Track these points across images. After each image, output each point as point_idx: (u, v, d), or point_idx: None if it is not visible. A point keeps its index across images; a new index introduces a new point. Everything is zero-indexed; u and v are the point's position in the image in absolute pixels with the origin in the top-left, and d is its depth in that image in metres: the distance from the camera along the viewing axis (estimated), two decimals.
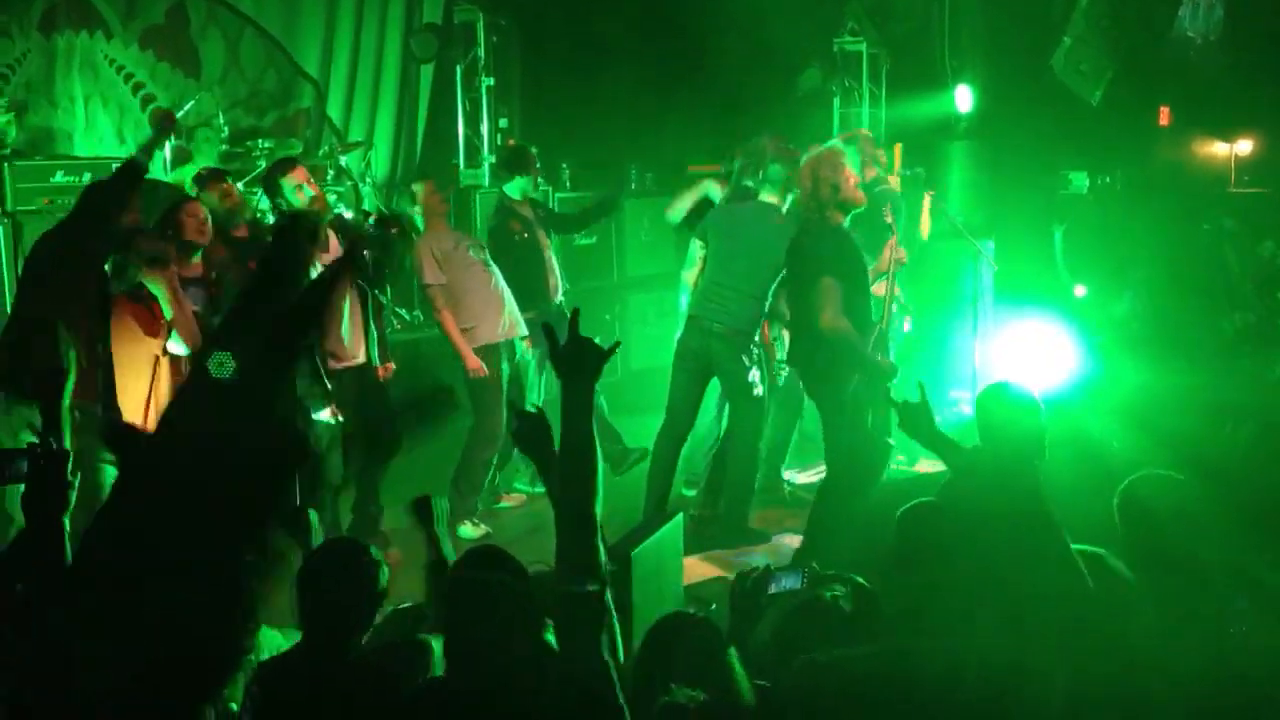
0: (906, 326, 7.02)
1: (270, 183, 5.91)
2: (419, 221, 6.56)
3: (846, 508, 5.72)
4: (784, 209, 6.42)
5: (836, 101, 10.39)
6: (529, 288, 6.87)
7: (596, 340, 2.84)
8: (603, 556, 2.68)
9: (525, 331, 6.75)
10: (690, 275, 6.83)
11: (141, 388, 5.08)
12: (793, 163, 6.46)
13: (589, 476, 2.73)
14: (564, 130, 10.29)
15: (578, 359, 2.80)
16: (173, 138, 8.65)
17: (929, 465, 7.47)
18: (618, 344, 3.02)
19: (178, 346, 5.12)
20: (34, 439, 2.82)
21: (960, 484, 4.32)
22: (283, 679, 2.97)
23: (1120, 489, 3.45)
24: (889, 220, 6.16)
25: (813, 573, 3.43)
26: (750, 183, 6.61)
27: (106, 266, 4.99)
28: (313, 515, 3.70)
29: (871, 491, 5.78)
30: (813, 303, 5.49)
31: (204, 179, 6.03)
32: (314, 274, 5.56)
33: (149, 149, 5.12)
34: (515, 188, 7.08)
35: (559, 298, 7.14)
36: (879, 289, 6.09)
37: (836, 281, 5.46)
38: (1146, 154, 10.70)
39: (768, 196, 6.50)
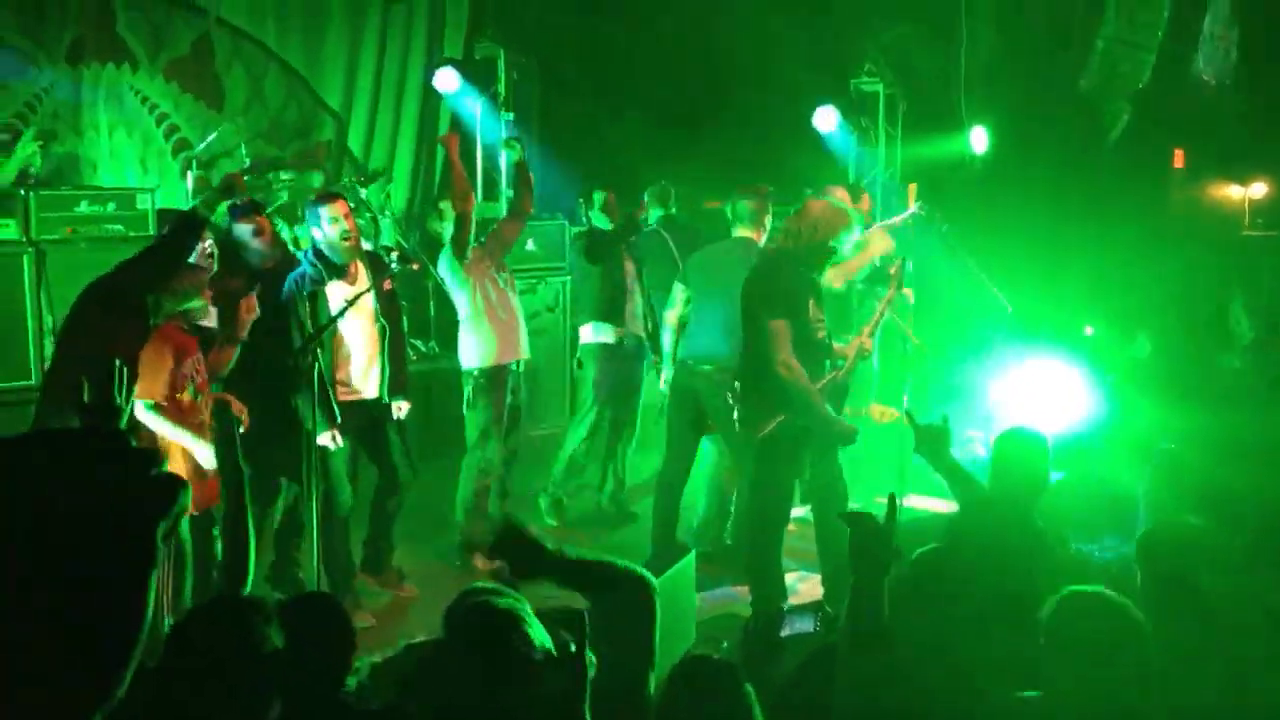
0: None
1: (311, 213, 5.98)
2: (445, 237, 6.58)
3: (763, 547, 5.77)
4: (761, 243, 6.50)
5: (853, 141, 10.46)
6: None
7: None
8: None
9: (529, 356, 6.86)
10: (672, 316, 6.90)
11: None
12: (759, 197, 6.57)
13: None
14: (582, 166, 10.36)
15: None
16: (194, 167, 8.79)
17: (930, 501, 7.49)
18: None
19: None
20: None
21: (969, 518, 4.38)
22: None
23: (1139, 537, 3.52)
24: (891, 273, 6.17)
25: (826, 616, 3.46)
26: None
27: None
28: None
29: (776, 535, 5.82)
30: (764, 344, 5.51)
31: (241, 210, 6.04)
32: (335, 307, 5.67)
33: (211, 204, 5.20)
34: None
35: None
36: (853, 345, 6.08)
37: (788, 323, 5.49)
38: (1161, 197, 10.74)
39: (742, 232, 6.59)
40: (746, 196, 6.60)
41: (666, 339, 6.91)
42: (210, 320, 5.33)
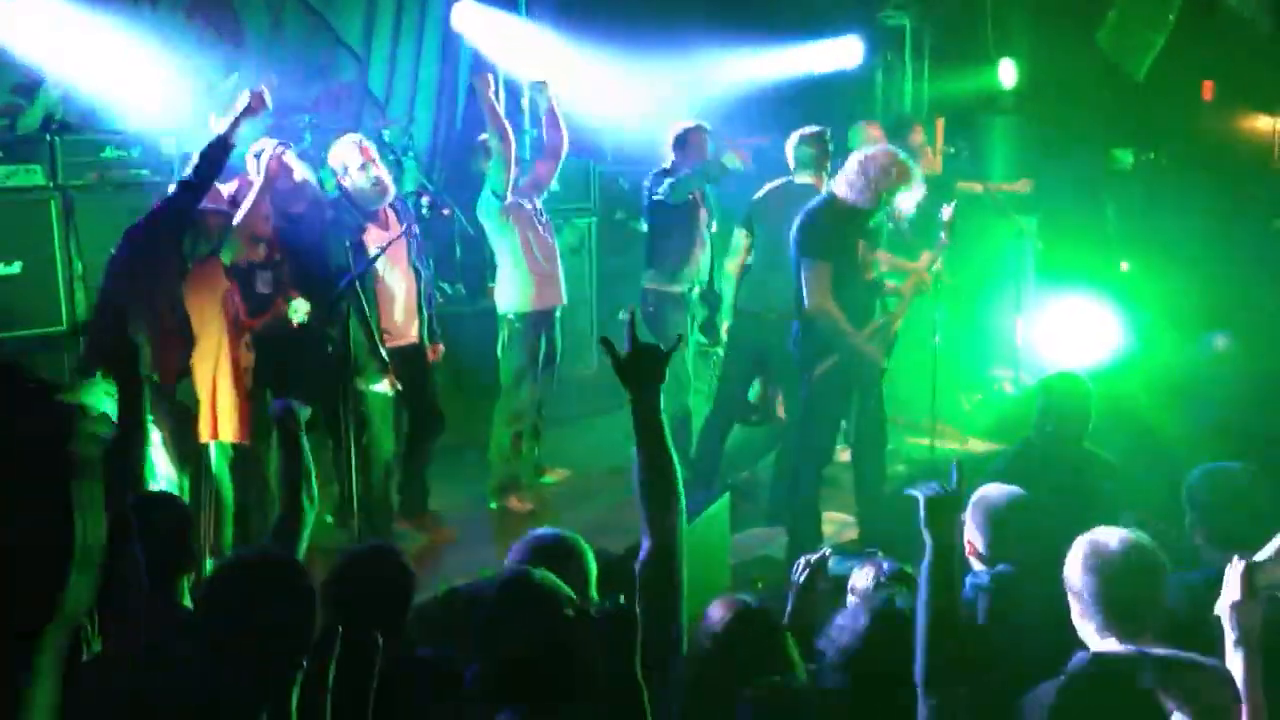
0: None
1: (338, 159, 5.95)
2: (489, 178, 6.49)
3: (806, 486, 5.81)
4: (822, 188, 6.45)
5: (879, 76, 10.33)
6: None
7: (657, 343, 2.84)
8: (681, 553, 2.71)
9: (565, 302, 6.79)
10: (733, 265, 6.86)
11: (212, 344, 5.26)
12: (820, 142, 6.51)
13: (669, 482, 2.75)
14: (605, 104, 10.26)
15: (640, 366, 2.80)
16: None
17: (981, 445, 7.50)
18: (680, 339, 3.00)
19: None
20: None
21: (1018, 463, 4.39)
22: None
23: (1186, 482, 3.55)
24: (945, 218, 6.13)
25: (874, 559, 3.46)
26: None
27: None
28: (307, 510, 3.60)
29: (818, 473, 5.85)
30: (803, 283, 5.52)
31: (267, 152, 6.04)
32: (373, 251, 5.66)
33: (235, 125, 5.18)
34: None
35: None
36: (902, 287, 6.08)
37: (829, 264, 5.46)
38: (1190, 129, 10.59)
39: (803, 178, 6.54)
40: (807, 142, 6.54)
41: (727, 288, 6.88)
42: (266, 287, 5.38)
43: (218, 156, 5.02)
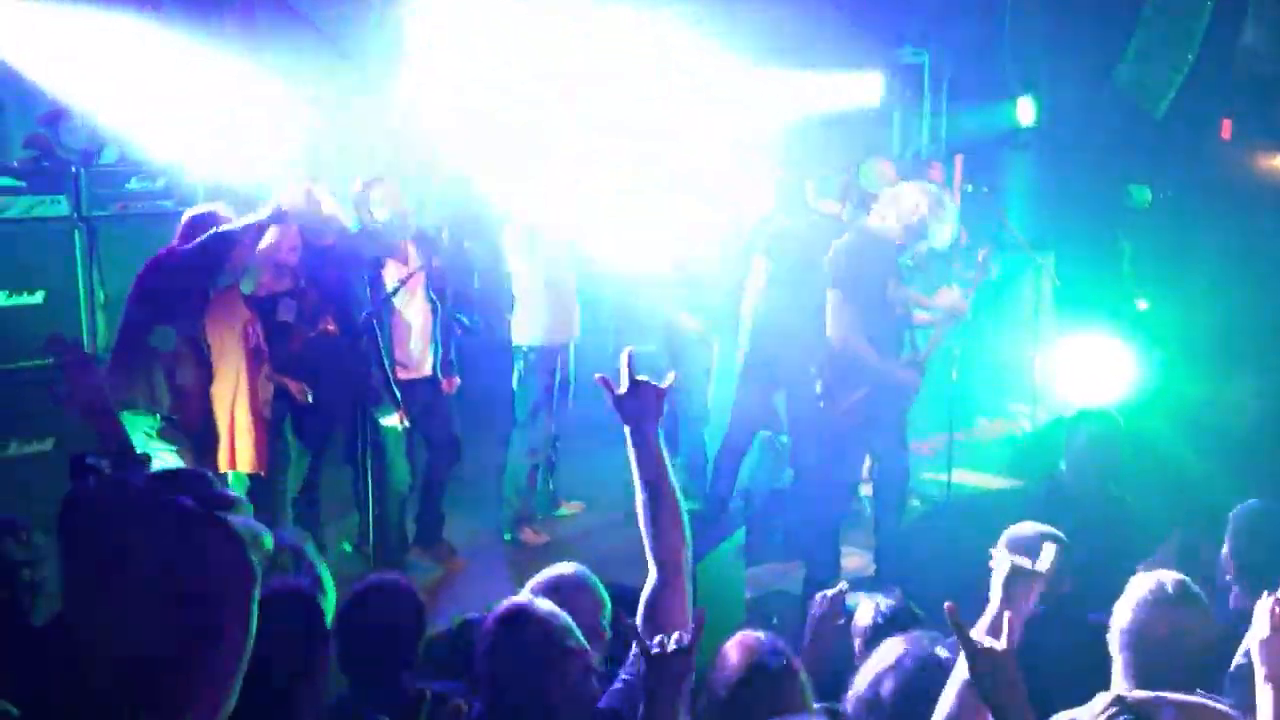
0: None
1: (359, 197, 6.01)
2: None
3: (826, 521, 5.79)
4: (843, 218, 6.50)
5: (896, 113, 10.36)
6: None
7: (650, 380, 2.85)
8: (689, 585, 2.71)
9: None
10: (751, 290, 6.89)
11: (231, 375, 5.30)
12: (844, 173, 6.58)
13: (673, 513, 2.75)
14: None
15: (638, 402, 2.81)
16: None
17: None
18: (673, 377, 2.99)
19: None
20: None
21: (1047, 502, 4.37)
22: None
23: (1234, 514, 3.57)
24: (980, 260, 6.20)
25: (895, 595, 3.45)
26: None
27: None
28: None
29: (840, 506, 5.84)
30: (830, 314, 5.56)
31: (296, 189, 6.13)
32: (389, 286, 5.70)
33: (252, 229, 5.26)
34: None
35: None
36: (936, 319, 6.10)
37: (854, 298, 5.48)
38: (1208, 167, 10.59)
39: (825, 206, 6.58)
40: (830, 173, 6.62)
41: (745, 310, 6.91)
42: (288, 315, 5.42)
43: (219, 250, 5.09)
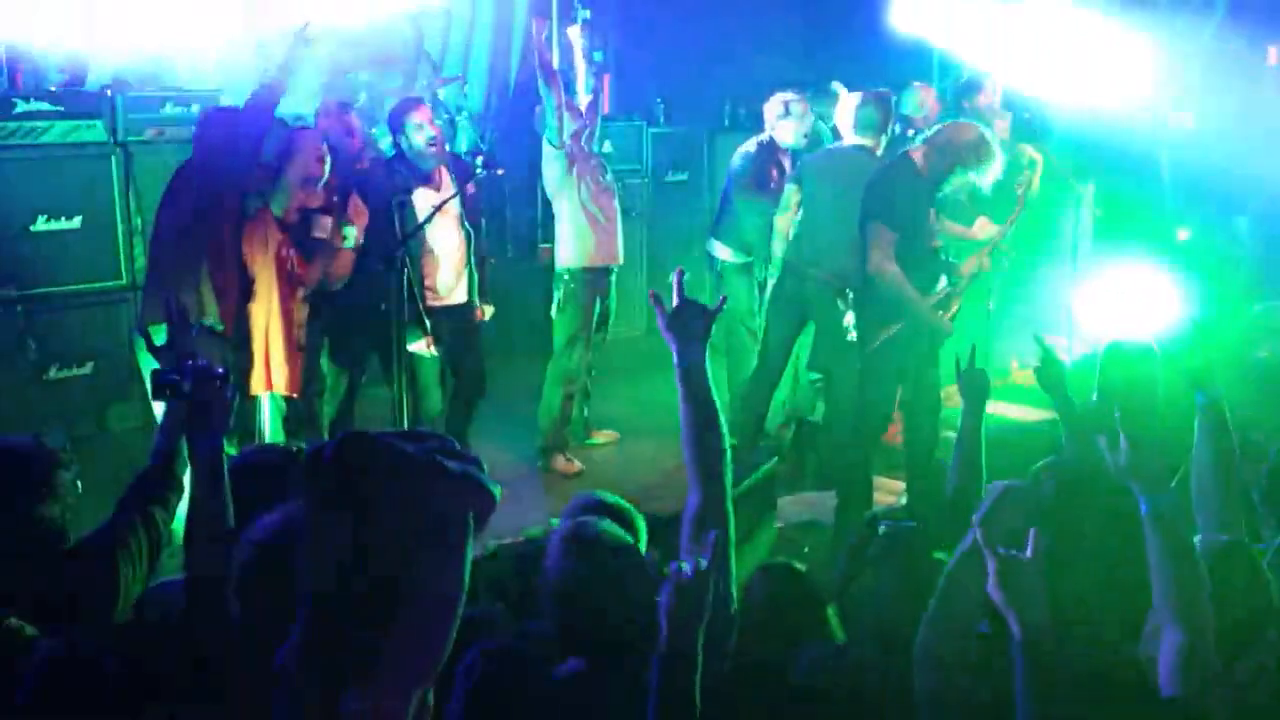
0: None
1: (395, 120, 5.98)
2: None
3: (858, 454, 5.78)
4: (879, 151, 6.42)
5: None
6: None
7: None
8: (730, 509, 2.72)
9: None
10: (783, 221, 6.82)
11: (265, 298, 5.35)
12: (883, 105, 6.46)
13: (716, 436, 2.77)
14: (659, 64, 10.21)
15: (686, 322, 2.83)
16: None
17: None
18: (724, 300, 3.02)
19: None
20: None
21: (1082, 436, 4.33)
22: None
23: (1269, 466, 3.49)
24: (1020, 192, 6.12)
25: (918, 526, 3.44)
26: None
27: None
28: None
29: (872, 438, 5.82)
30: (868, 244, 5.48)
31: (328, 111, 6.12)
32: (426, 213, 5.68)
33: (286, 66, 5.22)
34: None
35: None
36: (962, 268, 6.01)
37: (892, 228, 5.42)
38: (1253, 92, 10.37)
39: (861, 139, 6.49)
40: (871, 104, 6.49)
41: (776, 244, 6.85)
42: (323, 232, 5.41)
43: (272, 97, 5.12)
